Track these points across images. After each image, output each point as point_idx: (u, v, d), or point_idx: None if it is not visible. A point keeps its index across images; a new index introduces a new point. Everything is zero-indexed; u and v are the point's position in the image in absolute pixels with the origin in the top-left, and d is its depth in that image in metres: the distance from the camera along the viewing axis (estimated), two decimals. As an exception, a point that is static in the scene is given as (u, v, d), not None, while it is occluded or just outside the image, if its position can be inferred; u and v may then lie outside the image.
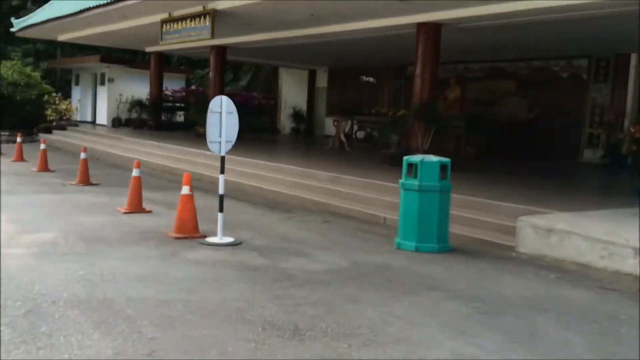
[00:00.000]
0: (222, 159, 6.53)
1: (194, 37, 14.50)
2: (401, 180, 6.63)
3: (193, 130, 19.41)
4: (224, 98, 6.38)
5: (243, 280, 5.01)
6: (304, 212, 8.85)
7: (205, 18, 13.71)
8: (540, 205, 7.63)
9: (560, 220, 6.43)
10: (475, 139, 15.91)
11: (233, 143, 6.56)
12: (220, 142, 6.39)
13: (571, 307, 4.64)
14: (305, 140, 22.33)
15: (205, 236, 6.64)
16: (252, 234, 7.02)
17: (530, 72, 18.59)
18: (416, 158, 6.52)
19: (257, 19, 14.26)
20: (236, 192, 10.23)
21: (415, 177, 6.44)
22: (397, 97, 22.80)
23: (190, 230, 6.66)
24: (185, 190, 6.71)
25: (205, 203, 8.81)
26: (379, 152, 13.09)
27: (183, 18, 14.66)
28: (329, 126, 25.35)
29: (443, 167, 6.45)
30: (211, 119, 6.28)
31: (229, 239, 6.52)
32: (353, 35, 14.86)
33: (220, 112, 6.32)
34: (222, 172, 6.53)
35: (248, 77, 27.87)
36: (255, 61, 25.38)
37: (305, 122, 26.09)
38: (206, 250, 6.09)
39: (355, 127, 20.15)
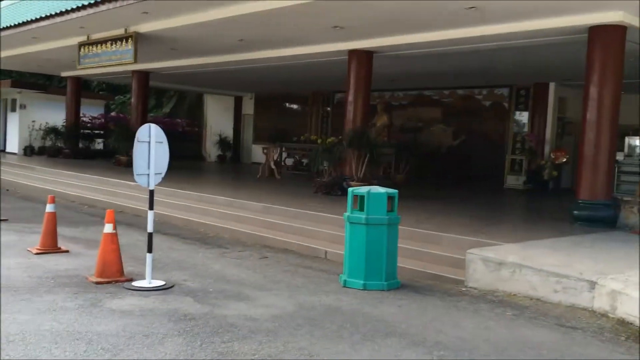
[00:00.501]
0: (151, 193, 5.90)
1: (115, 62, 13.71)
2: (347, 213, 6.23)
3: (114, 158, 18.38)
4: (153, 126, 5.79)
5: (178, 333, 4.40)
6: (238, 247, 8.28)
7: (127, 41, 12.98)
8: (483, 236, 7.45)
9: (510, 253, 6.22)
10: (404, 166, 15.85)
11: (163, 175, 5.97)
12: (148, 175, 5.77)
13: (539, 352, 4.34)
14: (233, 168, 21.69)
15: (131, 279, 5.95)
16: (184, 275, 6.39)
17: (455, 100, 18.92)
18: (362, 190, 6.15)
19: (182, 43, 13.67)
20: (164, 226, 9.52)
21: (362, 209, 6.06)
22: (324, 124, 22.66)
23: (114, 274, 5.95)
24: (108, 228, 6.00)
25: (129, 239, 8.10)
26: (312, 180, 12.70)
27: (103, 41, 13.85)
28: (257, 153, 24.87)
29: (390, 198, 6.11)
30: (138, 149, 5.67)
31: (159, 282, 5.86)
32: (282, 61, 14.54)
33: (149, 142, 5.72)
34: (151, 207, 5.89)
35: (172, 103, 26.98)
36: (179, 88, 24.59)
37: (232, 149, 25.47)
38: (134, 297, 5.41)
39: (284, 155, 19.73)
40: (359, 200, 6.12)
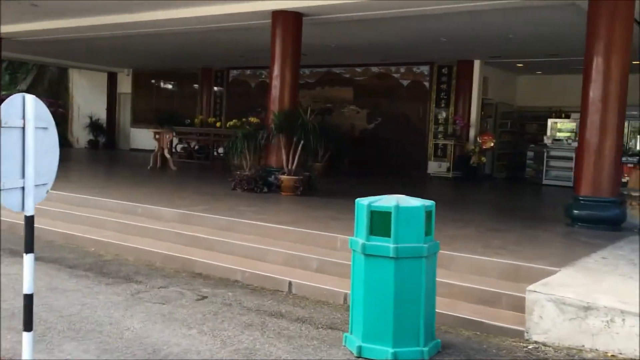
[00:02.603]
0: (28, 222, 3.22)
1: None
2: (358, 240, 3.96)
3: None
4: (30, 99, 3.11)
5: None
6: (156, 278, 5.71)
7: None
8: (508, 254, 5.53)
9: (595, 291, 4.30)
10: (323, 154, 13.76)
11: (50, 186, 3.34)
12: (23, 189, 3.11)
13: None
14: (111, 157, 18.35)
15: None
16: (82, 348, 3.81)
17: (369, 79, 17.10)
18: (384, 202, 3.90)
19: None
20: (36, 245, 6.63)
21: (386, 233, 3.83)
22: (217, 105, 19.96)
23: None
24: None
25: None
26: (229, 173, 10.19)
27: None
28: (137, 138, 21.59)
29: (427, 214, 3.93)
30: (5, 141, 2.98)
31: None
32: (175, 26, 11.79)
33: (23, 127, 3.05)
34: (30, 250, 3.21)
35: (29, 79, 22.76)
36: (40, 60, 20.56)
37: (105, 133, 21.95)
38: None
39: (175, 141, 16.85)
40: (379, 219, 3.88)
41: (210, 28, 11.74)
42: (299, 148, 9.45)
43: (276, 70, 9.90)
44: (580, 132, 7.42)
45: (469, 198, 11.71)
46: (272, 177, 9.52)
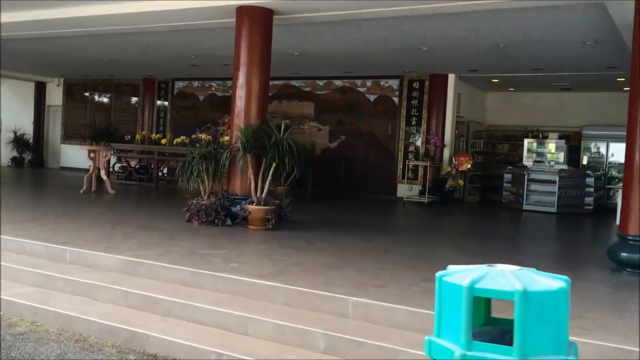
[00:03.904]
0: None
1: None
2: (451, 348, 2.31)
3: None
4: None
5: None
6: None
7: None
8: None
9: None
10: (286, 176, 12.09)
11: None
12: None
13: None
14: (37, 178, 16.04)
15: None
16: None
17: (331, 93, 15.61)
18: (501, 281, 2.27)
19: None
20: None
21: (505, 339, 2.21)
22: (160, 120, 17.99)
23: None
24: None
25: None
26: (180, 200, 8.39)
27: None
28: (67, 155, 19.28)
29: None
30: None
31: None
32: (110, 25, 9.96)
33: None
34: None
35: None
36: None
37: (32, 150, 19.53)
38: None
39: (113, 159, 14.79)
40: (488, 311, 2.25)
41: (160, 28, 9.95)
42: (270, 172, 7.76)
43: (241, 78, 8.20)
44: (626, 159, 6.05)
45: (470, 229, 10.30)
46: (238, 206, 7.78)
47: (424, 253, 6.71)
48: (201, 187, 8.12)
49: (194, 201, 7.93)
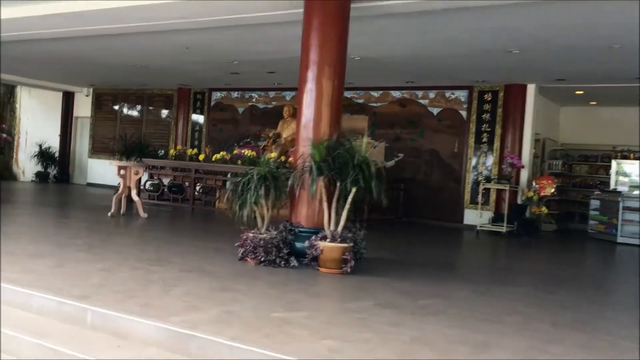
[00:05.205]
0: None
1: None
2: None
3: None
4: None
5: None
6: None
7: None
8: None
9: None
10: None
11: None
12: None
13: None
14: (61, 196, 14.54)
15: None
16: None
17: (388, 105, 13.88)
18: None
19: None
20: None
21: None
22: (195, 134, 16.46)
23: None
24: None
25: None
26: (229, 228, 6.69)
27: None
28: (96, 171, 17.81)
29: None
30: None
31: None
32: (142, 19, 8.40)
33: None
34: None
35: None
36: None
37: (57, 164, 18.15)
38: None
39: (145, 177, 13.22)
40: None
41: (203, 24, 8.34)
42: (349, 199, 6.03)
43: (309, 81, 6.51)
44: None
45: (612, 275, 8.33)
46: (306, 242, 6.06)
47: (598, 325, 4.88)
48: (258, 216, 6.42)
49: (250, 234, 6.22)
